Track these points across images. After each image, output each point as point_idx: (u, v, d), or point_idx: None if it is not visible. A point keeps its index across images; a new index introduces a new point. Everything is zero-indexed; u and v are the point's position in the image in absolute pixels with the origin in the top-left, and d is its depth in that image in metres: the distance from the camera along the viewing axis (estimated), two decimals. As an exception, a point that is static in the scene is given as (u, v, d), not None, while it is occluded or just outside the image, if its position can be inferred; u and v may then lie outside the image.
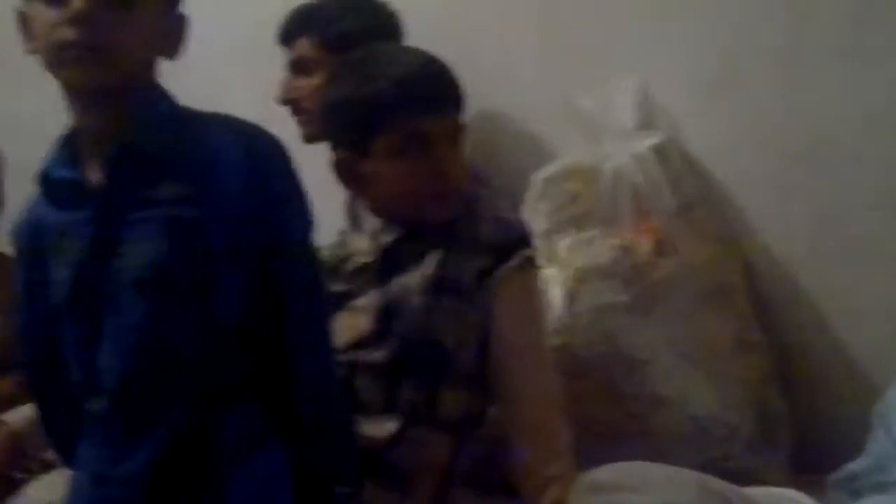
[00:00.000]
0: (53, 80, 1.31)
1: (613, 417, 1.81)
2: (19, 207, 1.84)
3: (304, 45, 1.99)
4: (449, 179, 1.60)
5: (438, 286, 1.57)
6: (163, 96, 1.37)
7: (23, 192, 2.48)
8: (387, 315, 1.59)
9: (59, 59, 1.27)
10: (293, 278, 1.35)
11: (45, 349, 1.39)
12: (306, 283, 1.37)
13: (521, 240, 1.62)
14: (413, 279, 1.58)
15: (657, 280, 1.85)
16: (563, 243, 1.90)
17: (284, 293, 1.33)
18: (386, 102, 1.56)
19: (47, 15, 1.27)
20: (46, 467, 2.05)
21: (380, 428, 1.54)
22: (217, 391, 1.31)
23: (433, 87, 1.60)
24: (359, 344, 1.59)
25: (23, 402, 2.14)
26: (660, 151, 1.91)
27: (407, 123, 1.56)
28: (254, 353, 1.33)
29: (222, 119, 1.36)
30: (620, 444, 1.77)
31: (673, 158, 1.93)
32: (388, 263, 1.62)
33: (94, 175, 1.32)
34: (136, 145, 1.31)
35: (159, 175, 1.30)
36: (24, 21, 1.32)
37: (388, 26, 2.00)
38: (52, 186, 1.35)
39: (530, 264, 1.61)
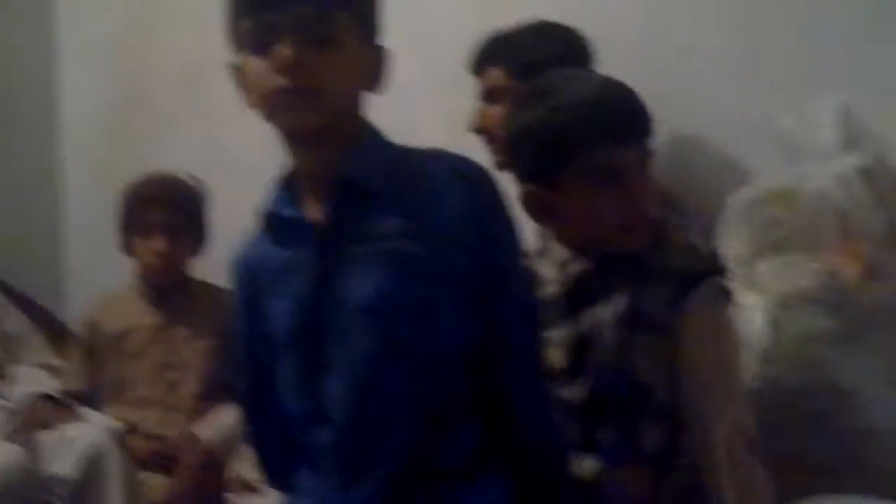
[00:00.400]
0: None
1: (821, 450, 1.73)
2: (225, 238, 1.93)
3: (496, 74, 2.01)
4: (640, 209, 1.56)
5: (632, 322, 1.53)
6: (376, 133, 1.41)
7: (227, 225, 2.62)
8: (580, 349, 1.57)
9: (272, 106, 1.32)
10: (512, 306, 1.37)
11: (261, 381, 1.44)
12: (524, 311, 1.40)
13: (711, 268, 1.56)
14: (605, 313, 1.55)
15: (868, 306, 1.76)
16: (764, 268, 1.84)
17: (503, 320, 1.36)
18: (573, 134, 1.52)
19: (257, 65, 1.32)
20: (250, 489, 2.12)
21: (583, 467, 1.52)
22: (440, 416, 1.34)
23: (622, 116, 1.56)
24: (551, 377, 1.58)
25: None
26: (866, 172, 1.83)
27: (597, 154, 1.52)
28: (473, 378, 1.36)
29: (435, 152, 1.39)
30: (830, 477, 1.70)
31: (880, 179, 1.84)
32: (577, 295, 1.60)
33: (314, 212, 1.37)
34: (355, 182, 1.35)
35: (379, 210, 1.34)
36: (238, 75, 1.37)
37: (580, 53, 2.00)
38: (275, 224, 1.40)
39: (721, 293, 1.56)
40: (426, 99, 2.42)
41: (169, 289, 2.48)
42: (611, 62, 1.92)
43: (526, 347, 1.40)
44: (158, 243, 2.41)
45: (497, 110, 1.97)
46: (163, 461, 2.31)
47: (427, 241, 1.32)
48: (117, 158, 2.93)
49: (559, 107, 1.55)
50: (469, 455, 1.35)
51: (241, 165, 2.78)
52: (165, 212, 2.42)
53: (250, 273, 1.43)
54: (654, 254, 1.55)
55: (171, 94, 2.93)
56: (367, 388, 1.33)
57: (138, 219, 2.43)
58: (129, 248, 2.47)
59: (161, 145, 2.92)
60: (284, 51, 1.29)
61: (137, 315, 2.46)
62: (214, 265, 2.50)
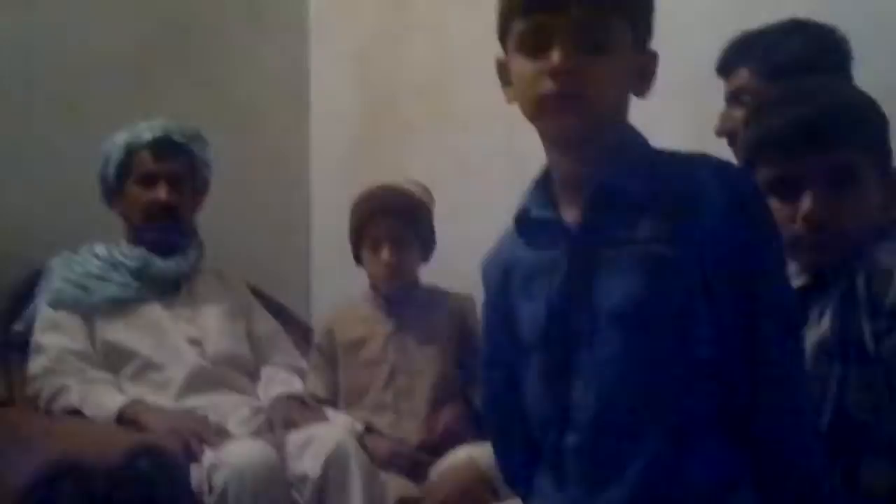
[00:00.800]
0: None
1: None
2: (462, 244, 1.93)
3: (743, 76, 1.93)
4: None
5: (839, 351, 1.46)
6: (636, 136, 1.38)
7: (464, 231, 2.64)
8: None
9: (539, 109, 1.32)
10: (774, 319, 1.31)
11: (507, 383, 1.44)
12: (786, 325, 1.33)
13: None
14: (810, 336, 1.47)
15: None
16: None
17: (763, 334, 1.30)
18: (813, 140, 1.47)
19: (527, 67, 1.32)
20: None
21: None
22: (689, 424, 1.30)
23: (852, 124, 1.48)
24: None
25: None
26: None
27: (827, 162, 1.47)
28: (725, 386, 1.30)
29: (695, 157, 1.36)
30: None
31: None
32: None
33: (569, 214, 1.36)
34: (614, 185, 1.33)
35: (637, 213, 1.31)
36: (503, 71, 1.38)
37: (836, 54, 1.88)
38: (529, 226, 1.40)
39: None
40: (672, 98, 2.36)
41: (399, 297, 2.53)
42: (877, 63, 1.81)
43: (787, 363, 1.32)
44: (385, 254, 2.46)
45: (743, 113, 1.90)
46: (402, 462, 2.36)
47: (685, 246, 1.28)
48: (363, 165, 3.03)
49: (790, 114, 1.49)
50: (718, 472, 1.29)
51: (480, 172, 2.81)
52: (391, 223, 2.46)
53: (502, 274, 1.44)
54: (861, 272, 1.45)
55: (414, 103, 3.00)
56: (614, 395, 1.31)
57: (366, 230, 2.49)
58: (359, 259, 2.54)
59: (404, 152, 2.99)
60: (557, 56, 1.28)
61: (371, 324, 2.53)
62: (446, 270, 2.55)
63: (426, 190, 2.56)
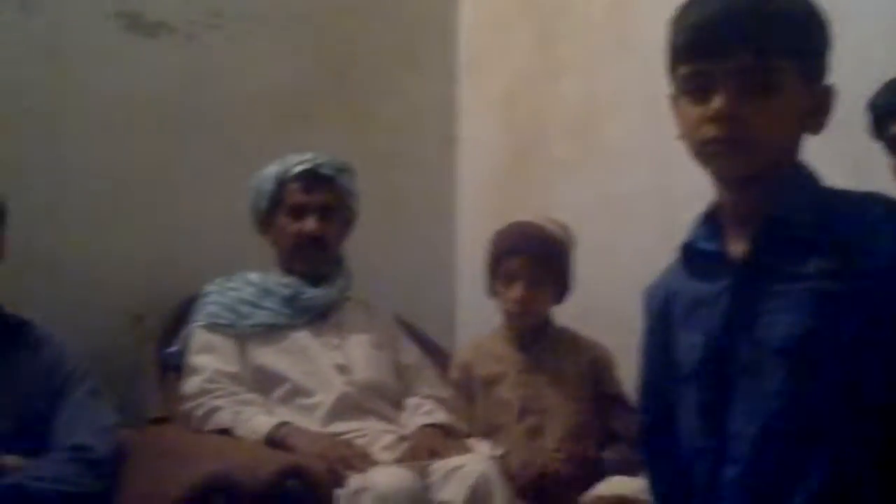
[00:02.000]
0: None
1: None
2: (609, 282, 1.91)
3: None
4: None
5: None
6: (807, 174, 1.38)
7: (611, 269, 2.63)
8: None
9: (703, 152, 1.34)
10: None
11: (663, 414, 1.43)
12: None
13: None
14: None
15: None
16: None
17: None
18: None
19: (692, 111, 1.34)
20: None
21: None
22: (852, 462, 1.27)
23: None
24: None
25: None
26: None
27: None
28: (892, 426, 1.27)
29: (866, 195, 1.35)
30: None
31: None
32: None
33: (736, 248, 1.36)
34: (783, 221, 1.33)
35: (805, 250, 1.30)
36: (675, 107, 1.40)
37: None
38: (694, 257, 1.41)
39: None
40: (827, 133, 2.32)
41: (531, 334, 2.53)
42: None
43: None
44: (517, 291, 2.46)
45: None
46: (536, 492, 2.34)
47: (854, 283, 1.26)
48: (510, 204, 3.05)
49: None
50: None
51: (627, 211, 2.80)
52: (525, 260, 2.47)
53: (663, 303, 1.44)
54: None
55: (563, 141, 3.01)
56: (776, 429, 1.29)
57: (500, 266, 2.50)
58: (493, 293, 2.55)
59: (550, 190, 3.00)
60: (719, 102, 1.29)
61: (504, 360, 2.53)
62: (592, 308, 2.54)
63: (566, 228, 2.55)
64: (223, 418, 2.38)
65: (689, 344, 1.38)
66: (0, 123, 2.62)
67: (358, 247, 2.75)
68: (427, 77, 3.31)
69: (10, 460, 2.04)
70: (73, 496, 2.04)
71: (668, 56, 1.38)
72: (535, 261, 2.47)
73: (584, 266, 2.56)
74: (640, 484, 1.91)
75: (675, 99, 1.39)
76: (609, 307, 2.52)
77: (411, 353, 2.74)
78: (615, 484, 2.25)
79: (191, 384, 2.47)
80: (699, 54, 1.33)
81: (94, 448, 2.10)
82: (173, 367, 2.58)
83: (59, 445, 2.11)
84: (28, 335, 2.24)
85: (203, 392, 2.44)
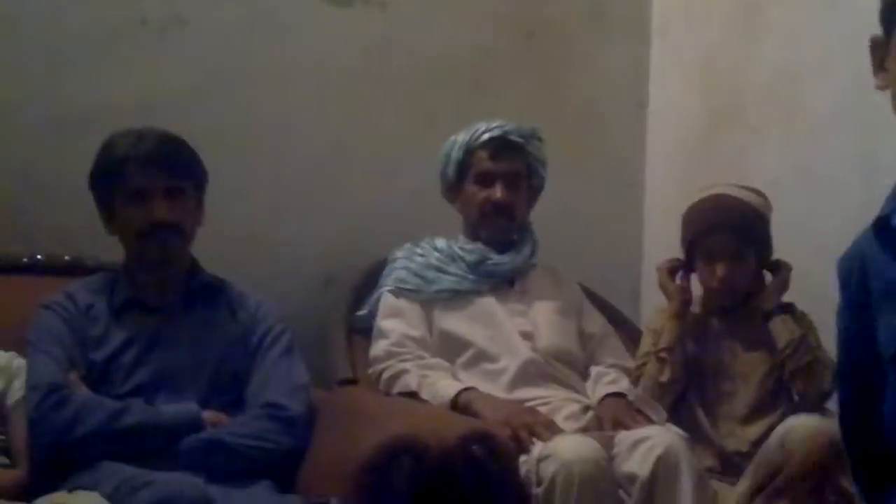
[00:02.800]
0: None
1: None
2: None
3: None
4: None
5: None
6: None
7: (806, 238, 2.53)
8: None
9: None
10: None
11: (863, 395, 1.37)
12: None
13: None
14: None
15: None
16: None
17: None
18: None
19: None
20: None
21: None
22: None
23: None
24: None
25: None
26: None
27: None
28: None
29: None
30: None
31: None
32: None
33: None
34: None
35: None
36: (877, 51, 1.32)
37: None
38: (889, 235, 1.32)
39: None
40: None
41: (730, 306, 2.47)
42: None
43: None
44: (721, 270, 2.39)
45: None
46: (727, 469, 2.31)
47: None
48: (701, 172, 2.97)
49: None
50: None
51: (826, 178, 2.69)
52: (728, 238, 2.40)
53: (861, 277, 1.36)
54: None
55: (760, 107, 2.90)
56: None
57: (701, 243, 2.43)
58: (692, 267, 2.48)
59: (746, 159, 2.90)
60: None
61: (700, 332, 2.48)
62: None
63: (763, 197, 2.46)
64: (409, 381, 2.42)
65: (891, 330, 1.30)
66: (199, 97, 2.71)
67: (546, 214, 2.73)
68: (618, 41, 3.24)
69: (210, 416, 2.12)
70: (268, 451, 2.11)
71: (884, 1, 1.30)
72: (736, 237, 2.40)
73: (780, 238, 2.46)
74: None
75: (881, 43, 1.30)
76: (805, 282, 2.42)
77: (596, 322, 2.71)
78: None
79: (378, 347, 2.52)
80: None
81: (288, 407, 2.17)
82: (362, 331, 2.63)
83: (254, 403, 2.19)
84: (226, 296, 2.33)
85: (390, 355, 2.49)
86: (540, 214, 2.72)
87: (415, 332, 2.53)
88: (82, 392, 2.07)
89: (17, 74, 2.58)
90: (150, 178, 2.18)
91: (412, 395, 2.41)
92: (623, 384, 2.53)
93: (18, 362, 2.14)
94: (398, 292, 2.59)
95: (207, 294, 2.31)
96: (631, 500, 2.14)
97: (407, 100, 2.97)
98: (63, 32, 2.63)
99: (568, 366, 2.57)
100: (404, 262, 2.63)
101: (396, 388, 2.44)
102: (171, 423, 2.08)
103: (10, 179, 2.56)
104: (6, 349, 2.17)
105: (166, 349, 2.20)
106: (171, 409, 2.11)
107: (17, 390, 2.11)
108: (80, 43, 2.65)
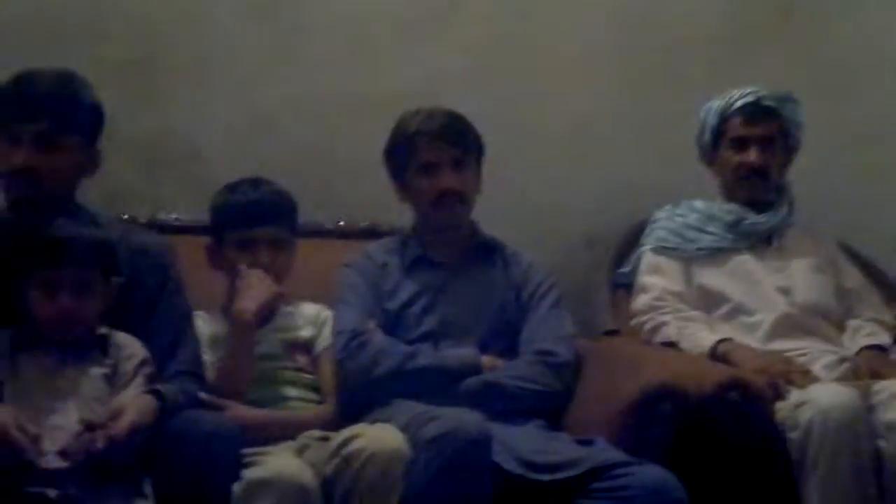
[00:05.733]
0: None
1: None
2: None
3: None
4: None
5: None
6: None
7: None
8: None
9: None
10: None
11: None
12: None
13: None
14: None
15: None
16: None
17: None
18: None
19: None
20: None
21: None
22: None
23: None
24: None
25: None
26: None
27: None
28: None
29: None
30: None
31: None
32: None
33: None
34: None
35: None
36: None
37: None
38: None
39: None
40: None
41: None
42: None
43: None
44: None
45: None
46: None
47: None
48: None
49: None
50: None
51: None
52: None
53: None
54: None
55: None
56: None
57: None
58: None
59: None
60: None
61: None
62: None
63: None
64: (669, 333, 2.43)
65: None
66: (476, 79, 2.80)
67: (802, 174, 2.66)
68: (876, 6, 3.06)
69: (488, 360, 2.21)
70: (539, 393, 2.19)
71: None
72: None
73: None
74: None
75: None
76: None
77: (854, 277, 2.62)
78: None
79: (640, 301, 2.54)
80: None
81: (557, 353, 2.23)
82: (624, 286, 2.66)
83: (527, 349, 2.27)
84: (501, 255, 2.42)
85: (651, 308, 2.50)
86: (796, 175, 2.65)
87: (674, 288, 2.54)
88: (379, 337, 2.21)
89: (324, 67, 2.77)
90: (438, 151, 2.30)
91: (672, 345, 2.42)
92: (883, 337, 2.44)
93: (326, 314, 2.30)
94: (659, 250, 2.60)
95: (485, 253, 2.41)
96: (890, 448, 2.05)
97: (665, 66, 2.95)
98: (359, 28, 2.81)
99: (825, 320, 2.51)
100: (665, 223, 2.64)
101: (657, 339, 2.45)
102: (454, 366, 2.18)
103: (316, 158, 2.74)
104: (316, 303, 2.34)
105: (450, 301, 2.31)
106: (455, 353, 2.22)
107: (325, 338, 2.27)
108: (373, 36, 2.81)
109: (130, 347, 1.91)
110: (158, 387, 1.85)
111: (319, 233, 2.61)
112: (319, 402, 2.20)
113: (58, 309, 1.84)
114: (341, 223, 2.68)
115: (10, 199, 1.97)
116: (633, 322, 2.53)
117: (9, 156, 1.93)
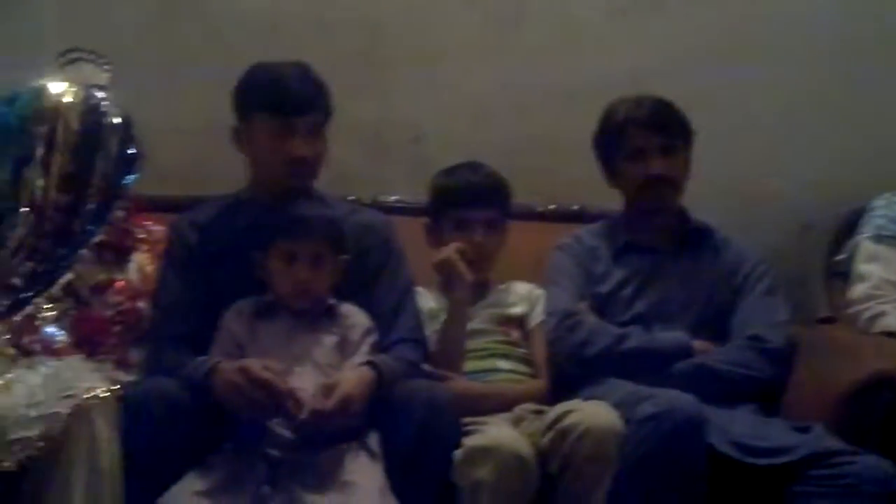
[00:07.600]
0: None
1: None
2: None
3: None
4: None
5: None
6: None
7: None
8: None
9: None
10: None
11: None
12: None
13: None
14: None
15: None
16: None
17: None
18: None
19: None
20: None
21: None
22: None
23: None
24: None
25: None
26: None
27: None
28: None
29: None
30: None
31: None
32: None
33: None
34: None
35: None
36: None
37: None
38: None
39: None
40: None
41: None
42: None
43: None
44: None
45: None
46: None
47: None
48: None
49: None
50: None
51: None
52: None
53: None
54: None
55: None
56: None
57: None
58: None
59: None
60: None
61: None
62: None
63: None
64: (889, 322, 2.31)
65: None
66: (681, 67, 2.72)
67: None
68: None
69: (699, 344, 2.16)
70: (750, 378, 2.11)
71: None
72: None
73: None
74: None
75: None
76: None
77: None
78: None
79: (858, 290, 2.42)
80: None
81: (770, 339, 2.15)
82: (839, 274, 2.54)
83: (739, 334, 2.19)
84: (712, 241, 2.34)
85: (869, 297, 2.38)
86: None
87: (893, 277, 2.40)
88: (591, 319, 2.19)
89: (537, 56, 2.77)
90: (646, 138, 2.25)
91: (891, 335, 2.27)
92: None
93: (538, 292, 2.31)
94: (878, 239, 2.47)
95: (696, 239, 2.34)
96: None
97: (882, 53, 2.79)
98: (568, 19, 2.79)
99: None
100: (884, 210, 2.51)
101: (875, 328, 2.33)
102: (665, 349, 2.13)
103: (529, 143, 2.75)
104: (528, 281, 2.33)
105: (660, 286, 2.27)
106: (666, 336, 2.17)
107: (537, 315, 2.27)
108: (584, 24, 2.79)
109: (356, 317, 1.99)
110: (373, 358, 1.90)
111: (531, 215, 2.62)
112: (532, 376, 2.21)
113: (295, 279, 1.92)
114: (552, 206, 2.68)
115: (283, 186, 2.05)
116: (851, 311, 2.41)
117: (280, 146, 2.02)
